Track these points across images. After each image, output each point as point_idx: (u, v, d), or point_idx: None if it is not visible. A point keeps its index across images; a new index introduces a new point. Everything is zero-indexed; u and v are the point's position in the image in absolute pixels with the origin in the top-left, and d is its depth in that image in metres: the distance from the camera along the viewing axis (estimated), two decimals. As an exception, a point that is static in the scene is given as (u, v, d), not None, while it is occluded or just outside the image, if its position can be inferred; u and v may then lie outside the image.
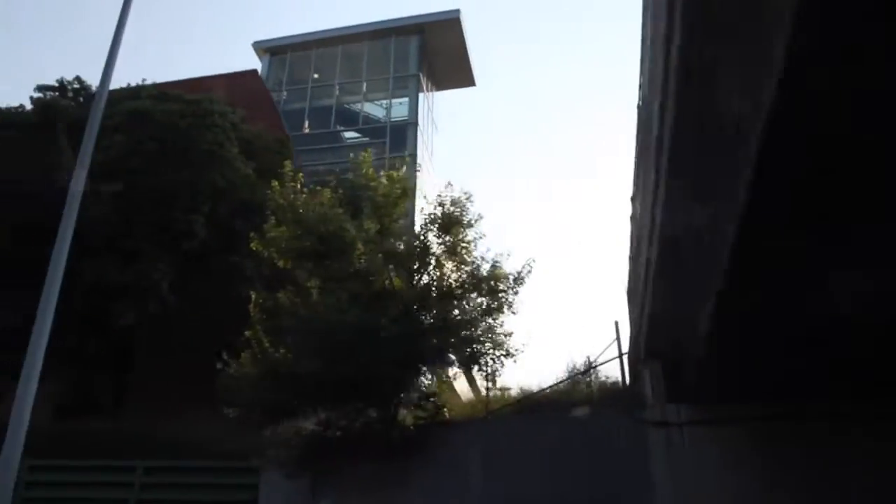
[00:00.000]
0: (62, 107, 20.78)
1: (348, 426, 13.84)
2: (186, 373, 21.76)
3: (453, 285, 14.10)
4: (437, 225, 14.45)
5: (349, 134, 28.89)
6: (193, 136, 19.37)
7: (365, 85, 29.45)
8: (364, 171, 15.02)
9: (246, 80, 27.50)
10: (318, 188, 15.02)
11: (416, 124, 27.82)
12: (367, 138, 27.93)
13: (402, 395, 13.65)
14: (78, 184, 11.26)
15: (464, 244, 14.22)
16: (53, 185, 19.09)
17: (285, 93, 29.48)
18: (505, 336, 13.65)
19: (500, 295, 14.00)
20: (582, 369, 15.47)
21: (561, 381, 14.66)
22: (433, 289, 14.33)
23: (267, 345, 14.28)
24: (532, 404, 13.89)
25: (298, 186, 14.68)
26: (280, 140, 23.38)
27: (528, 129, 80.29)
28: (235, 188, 19.82)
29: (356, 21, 31.12)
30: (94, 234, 18.74)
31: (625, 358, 13.68)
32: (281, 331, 14.62)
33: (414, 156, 27.02)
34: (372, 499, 13.13)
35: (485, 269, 14.29)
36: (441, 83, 31.07)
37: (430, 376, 13.85)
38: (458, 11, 28.89)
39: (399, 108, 28.77)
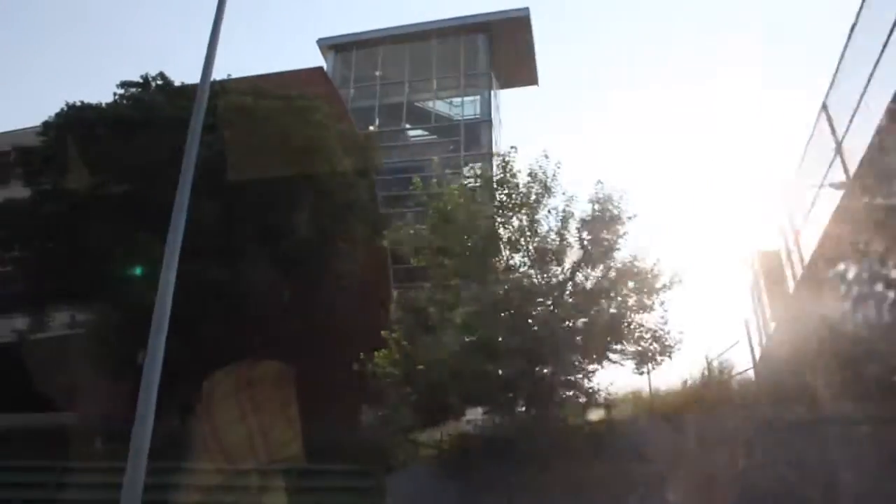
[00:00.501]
0: (157, 103, 20.31)
1: (503, 426, 13.57)
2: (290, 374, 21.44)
3: (606, 282, 13.81)
4: (588, 222, 14.18)
5: (413, 132, 28.50)
6: (294, 133, 18.93)
7: (435, 83, 29.10)
8: (508, 167, 14.76)
9: (312, 77, 27.08)
10: (473, 184, 14.78)
11: (490, 122, 27.53)
12: (434, 136, 27.57)
13: (564, 393, 13.35)
14: (185, 182, 11.01)
15: (616, 241, 13.96)
16: (154, 181, 18.75)
17: (353, 90, 29.10)
18: (664, 333, 13.40)
19: (653, 292, 13.73)
20: (720, 368, 15.24)
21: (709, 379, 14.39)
22: (584, 285, 14.06)
23: (406, 343, 14.10)
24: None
25: (444, 183, 14.47)
26: (367, 136, 23.01)
27: (583, 131, 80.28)
28: (335, 185, 19.44)
29: (419, 19, 30.72)
30: (197, 232, 18.34)
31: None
32: (426, 329, 14.39)
33: (491, 154, 26.71)
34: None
35: (636, 265, 14.04)
36: (505, 81, 30.74)
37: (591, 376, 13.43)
38: (527, 10, 28.65)
39: (469, 106, 28.48)
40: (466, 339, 13.36)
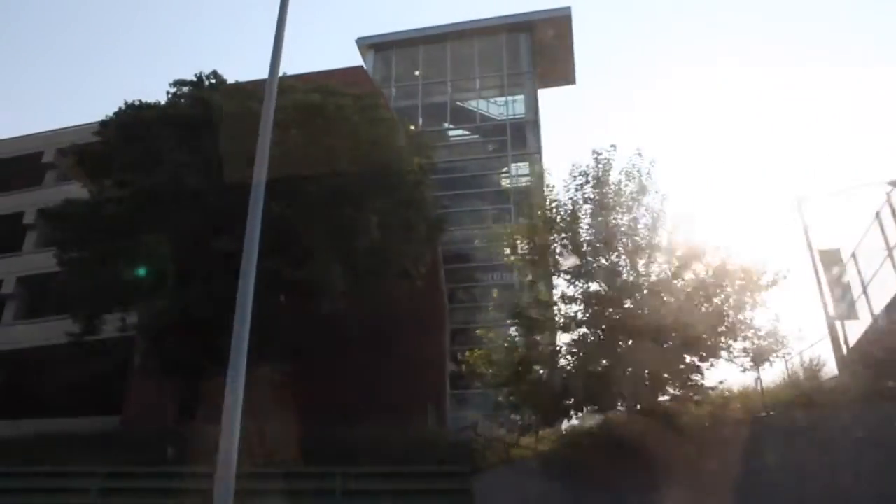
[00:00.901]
0: (216, 101, 20.01)
1: (610, 425, 13.47)
2: (359, 373, 21.23)
3: (708, 280, 13.74)
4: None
5: (455, 132, 28.29)
6: (363, 130, 18.73)
7: (478, 82, 28.94)
8: (604, 166, 14.70)
9: (353, 76, 26.87)
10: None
11: (537, 122, 27.41)
12: (475, 136, 27.41)
13: (673, 391, 13.25)
14: (260, 178, 10.85)
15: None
16: (222, 181, 18.46)
17: (394, 89, 28.87)
18: (776, 330, 13.34)
19: (757, 289, 13.68)
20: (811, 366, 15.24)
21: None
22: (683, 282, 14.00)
23: (515, 342, 14.01)
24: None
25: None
26: (422, 135, 22.86)
27: (616, 128, 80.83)
28: (402, 183, 19.25)
29: (459, 18, 30.52)
30: (268, 231, 18.06)
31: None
32: (530, 327, 14.35)
33: (539, 154, 26.67)
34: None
35: (735, 262, 13.99)
36: (543, 81, 30.59)
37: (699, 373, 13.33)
38: (569, 9, 28.57)
39: (512, 105, 28.36)
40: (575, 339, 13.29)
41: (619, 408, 13.67)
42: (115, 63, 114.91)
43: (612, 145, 14.75)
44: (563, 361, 13.84)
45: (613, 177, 14.94)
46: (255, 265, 10.11)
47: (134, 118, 20.15)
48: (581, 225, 14.65)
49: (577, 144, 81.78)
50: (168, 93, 22.06)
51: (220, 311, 18.04)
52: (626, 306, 13.63)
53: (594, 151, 14.71)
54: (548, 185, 15.29)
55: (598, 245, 14.49)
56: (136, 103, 20.71)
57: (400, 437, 18.46)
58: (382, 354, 21.74)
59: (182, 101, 20.63)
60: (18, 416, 25.20)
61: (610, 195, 14.57)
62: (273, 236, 18.14)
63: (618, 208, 14.70)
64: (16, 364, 27.07)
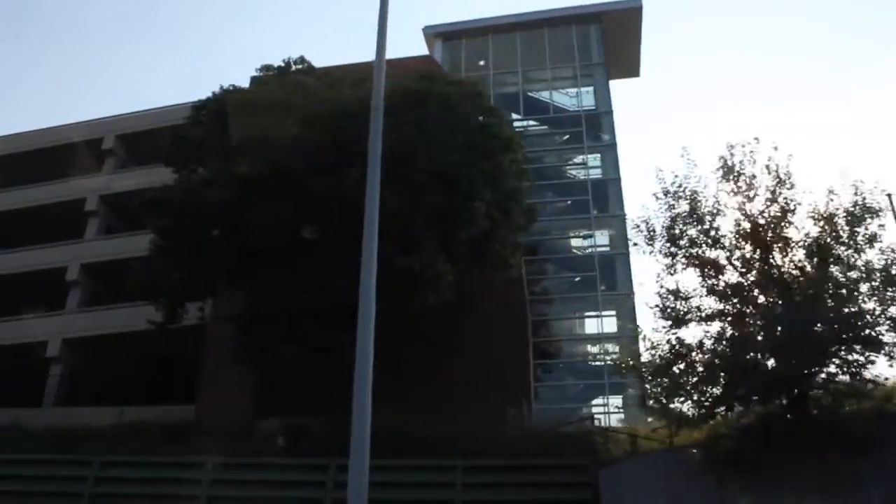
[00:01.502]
0: (311, 86, 19.70)
1: (761, 419, 13.21)
2: (448, 364, 20.99)
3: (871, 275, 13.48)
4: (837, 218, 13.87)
5: (524, 122, 27.94)
6: (470, 119, 18.49)
7: (550, 73, 28.64)
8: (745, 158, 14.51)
9: (423, 65, 26.56)
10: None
11: (611, 113, 27.16)
12: (545, 127, 27.17)
13: (831, 386, 13.01)
14: (374, 169, 10.65)
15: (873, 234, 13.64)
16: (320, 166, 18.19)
17: (463, 79, 28.32)
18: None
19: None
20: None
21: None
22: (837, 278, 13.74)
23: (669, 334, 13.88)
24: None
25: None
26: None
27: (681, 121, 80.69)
28: (506, 173, 19.01)
29: (526, 9, 30.15)
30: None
31: None
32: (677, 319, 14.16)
33: (614, 146, 26.42)
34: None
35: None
36: (609, 72, 30.29)
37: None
38: (640, 0, 28.28)
39: (583, 97, 28.11)
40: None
41: (775, 401, 13.40)
42: (172, 51, 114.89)
43: (756, 138, 14.51)
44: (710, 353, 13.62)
45: (748, 169, 14.70)
46: (375, 255, 9.89)
47: (230, 102, 19.83)
48: (721, 216, 14.39)
49: (637, 137, 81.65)
50: (253, 78, 21.88)
51: (313, 300, 17.99)
52: (775, 300, 13.41)
53: (729, 144, 14.55)
54: (666, 181, 14.99)
55: (737, 237, 14.28)
56: (230, 88, 20.40)
57: (498, 430, 18.37)
58: (471, 346, 21.53)
59: (271, 85, 20.25)
60: (89, 404, 25.00)
61: (751, 187, 14.35)
62: (381, 223, 18.04)
63: (755, 200, 14.48)
64: (81, 352, 26.77)
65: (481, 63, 29.10)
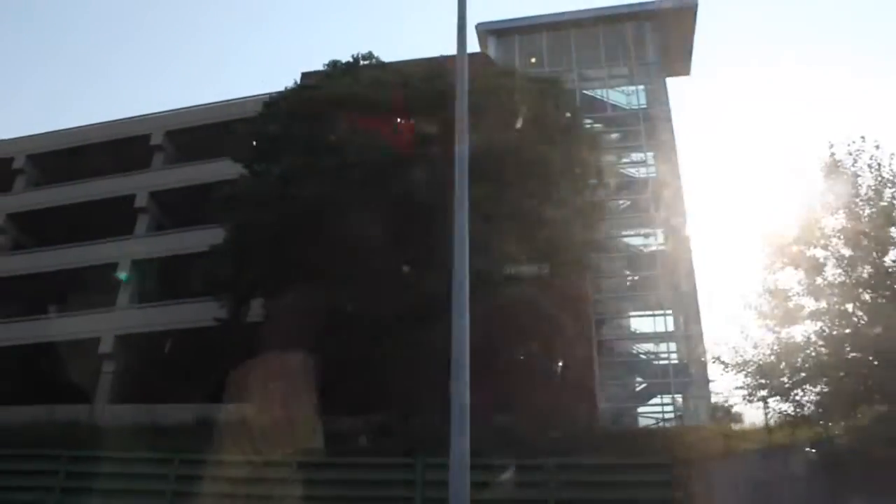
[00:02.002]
0: (384, 81, 19.55)
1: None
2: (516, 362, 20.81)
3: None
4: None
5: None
6: (551, 116, 18.37)
7: (606, 71, 28.49)
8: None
9: (477, 62, 26.42)
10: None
11: (669, 113, 27.02)
12: (599, 125, 26.99)
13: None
14: (462, 168, 10.62)
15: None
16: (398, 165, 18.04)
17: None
18: None
19: None
20: None
21: None
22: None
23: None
24: None
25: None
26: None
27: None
28: (588, 171, 18.90)
29: (578, 6, 29.90)
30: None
31: None
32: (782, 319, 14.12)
33: (673, 145, 26.30)
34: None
35: None
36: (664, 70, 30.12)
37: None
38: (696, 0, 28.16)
39: (639, 95, 27.97)
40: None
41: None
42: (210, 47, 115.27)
43: (862, 137, 14.44)
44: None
45: (851, 167, 14.64)
46: (467, 254, 9.83)
47: (301, 98, 19.71)
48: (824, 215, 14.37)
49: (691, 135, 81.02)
50: (324, 73, 21.68)
51: (396, 299, 17.85)
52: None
53: (829, 143, 14.53)
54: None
55: (840, 237, 14.22)
56: (299, 84, 20.29)
57: (574, 429, 18.25)
58: (540, 343, 21.31)
59: (345, 80, 20.09)
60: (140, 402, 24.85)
61: (855, 186, 14.30)
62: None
63: (857, 200, 14.42)
64: (133, 349, 26.63)
65: (532, 60, 28.93)
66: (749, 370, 14.24)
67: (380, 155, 18.06)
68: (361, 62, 21.49)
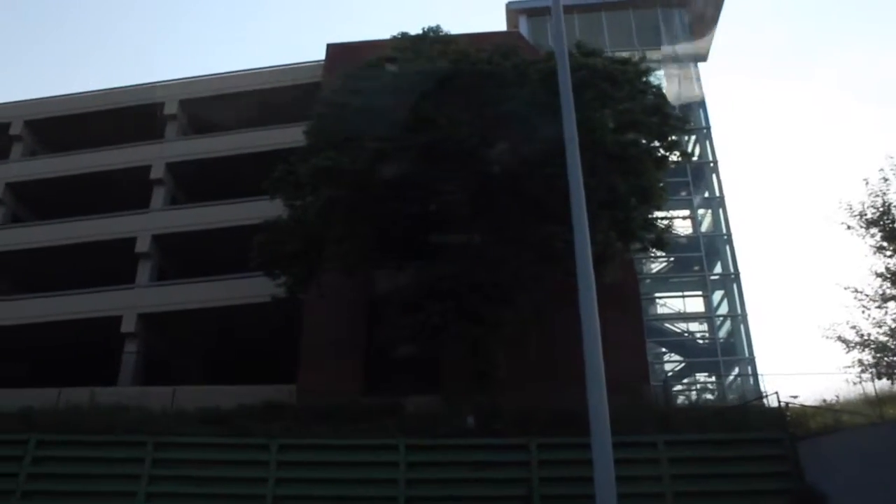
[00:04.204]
0: (467, 56, 19.09)
1: None
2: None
3: None
4: None
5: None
6: (639, 97, 18.43)
7: (637, 55, 28.59)
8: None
9: (509, 41, 26.22)
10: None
11: (703, 98, 27.46)
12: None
13: None
14: (571, 141, 10.95)
15: None
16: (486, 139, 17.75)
17: (549, 57, 27.82)
18: None
19: None
20: None
21: None
22: None
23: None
24: None
25: None
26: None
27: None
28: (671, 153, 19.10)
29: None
30: (549, 195, 17.51)
31: None
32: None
33: (709, 129, 26.79)
34: None
35: None
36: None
37: None
38: (725, -15, 28.60)
39: (672, 80, 28.28)
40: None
41: None
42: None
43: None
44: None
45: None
46: (587, 235, 9.95)
47: (381, 73, 19.08)
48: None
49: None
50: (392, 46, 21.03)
51: (485, 276, 17.63)
52: None
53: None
54: None
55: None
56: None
57: (648, 406, 18.51)
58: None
59: (422, 56, 19.53)
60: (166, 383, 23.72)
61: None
62: (553, 200, 17.79)
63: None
64: (156, 328, 25.35)
65: (550, 43, 28.78)
66: (872, 347, 14.76)
67: (467, 130, 17.71)
68: (429, 34, 20.96)
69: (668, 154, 18.98)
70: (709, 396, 23.70)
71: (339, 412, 17.87)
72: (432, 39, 20.92)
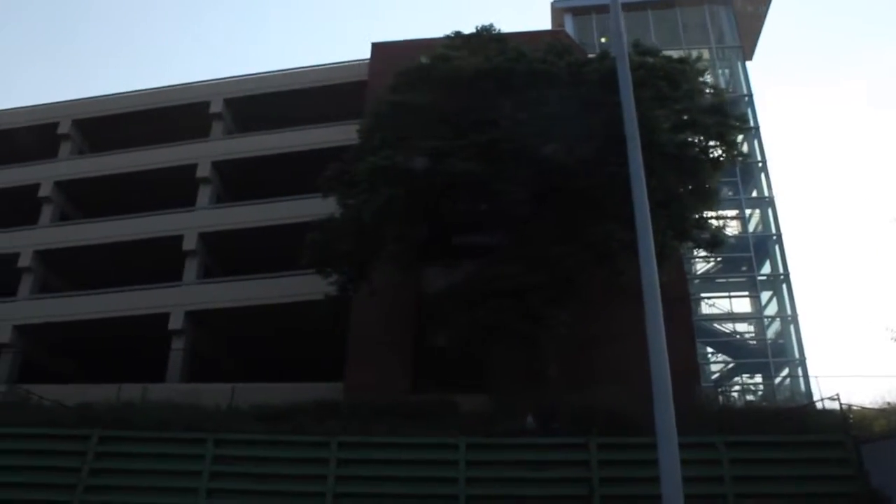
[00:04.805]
0: (529, 55, 19.07)
1: None
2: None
3: None
4: None
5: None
6: (698, 95, 18.32)
7: (686, 53, 28.42)
8: None
9: (555, 40, 26.14)
10: None
11: (752, 98, 27.24)
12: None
13: None
14: (633, 140, 10.86)
15: None
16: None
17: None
18: None
19: None
20: None
21: None
22: None
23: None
24: None
25: None
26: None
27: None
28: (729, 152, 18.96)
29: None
30: (610, 194, 17.46)
31: None
32: None
33: (758, 128, 26.56)
34: None
35: None
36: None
37: None
38: (772, -18, 28.37)
39: (720, 78, 28.13)
40: None
41: None
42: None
43: None
44: None
45: None
46: (651, 241, 9.85)
47: (432, 71, 19.08)
48: None
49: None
50: (445, 45, 21.03)
51: (543, 275, 17.60)
52: None
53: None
54: None
55: None
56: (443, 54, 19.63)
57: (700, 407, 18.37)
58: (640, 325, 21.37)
59: (479, 54, 19.51)
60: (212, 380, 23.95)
61: None
62: (612, 199, 17.75)
63: None
64: (204, 326, 25.61)
65: (602, 40, 28.77)
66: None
67: (529, 129, 17.70)
68: (483, 33, 20.95)
69: (725, 154, 18.78)
70: (752, 398, 23.48)
71: (393, 410, 17.95)
72: (486, 38, 20.89)
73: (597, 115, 17.80)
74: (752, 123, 26.72)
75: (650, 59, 18.50)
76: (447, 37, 20.85)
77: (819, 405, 17.58)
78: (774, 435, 16.10)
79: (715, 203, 19.23)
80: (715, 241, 19.19)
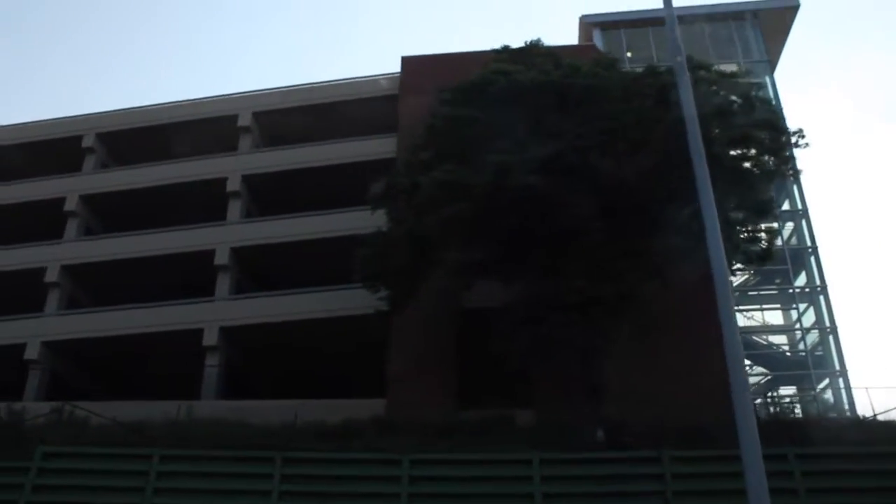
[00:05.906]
0: (581, 69, 19.18)
1: None
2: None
3: None
4: None
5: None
6: (749, 112, 18.55)
7: (743, 68, 28.73)
8: None
9: (585, 54, 26.37)
10: None
11: (782, 111, 27.44)
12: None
13: None
14: (696, 141, 10.98)
15: None
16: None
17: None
18: None
19: None
20: None
21: None
22: None
23: None
24: None
25: None
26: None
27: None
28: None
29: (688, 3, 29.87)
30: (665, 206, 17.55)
31: None
32: None
33: (789, 139, 26.74)
34: None
35: None
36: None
37: None
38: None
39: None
40: None
41: None
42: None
43: None
44: None
45: None
46: (723, 255, 9.96)
47: (492, 85, 19.09)
48: None
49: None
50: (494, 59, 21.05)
51: (602, 290, 17.62)
52: None
53: None
54: None
55: None
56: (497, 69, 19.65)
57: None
58: (676, 336, 21.27)
59: (534, 69, 19.57)
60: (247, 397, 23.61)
61: None
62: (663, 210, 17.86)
63: None
64: (238, 342, 25.22)
65: (629, 55, 29.03)
66: None
67: (589, 143, 17.77)
68: (532, 48, 21.05)
69: (779, 168, 19.02)
70: (798, 410, 23.60)
71: (451, 426, 17.81)
72: (535, 52, 20.97)
73: (654, 130, 17.97)
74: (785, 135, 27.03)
75: (703, 73, 18.65)
76: (494, 51, 20.91)
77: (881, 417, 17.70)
78: (845, 446, 16.23)
79: (771, 216, 19.43)
80: (766, 255, 19.37)
